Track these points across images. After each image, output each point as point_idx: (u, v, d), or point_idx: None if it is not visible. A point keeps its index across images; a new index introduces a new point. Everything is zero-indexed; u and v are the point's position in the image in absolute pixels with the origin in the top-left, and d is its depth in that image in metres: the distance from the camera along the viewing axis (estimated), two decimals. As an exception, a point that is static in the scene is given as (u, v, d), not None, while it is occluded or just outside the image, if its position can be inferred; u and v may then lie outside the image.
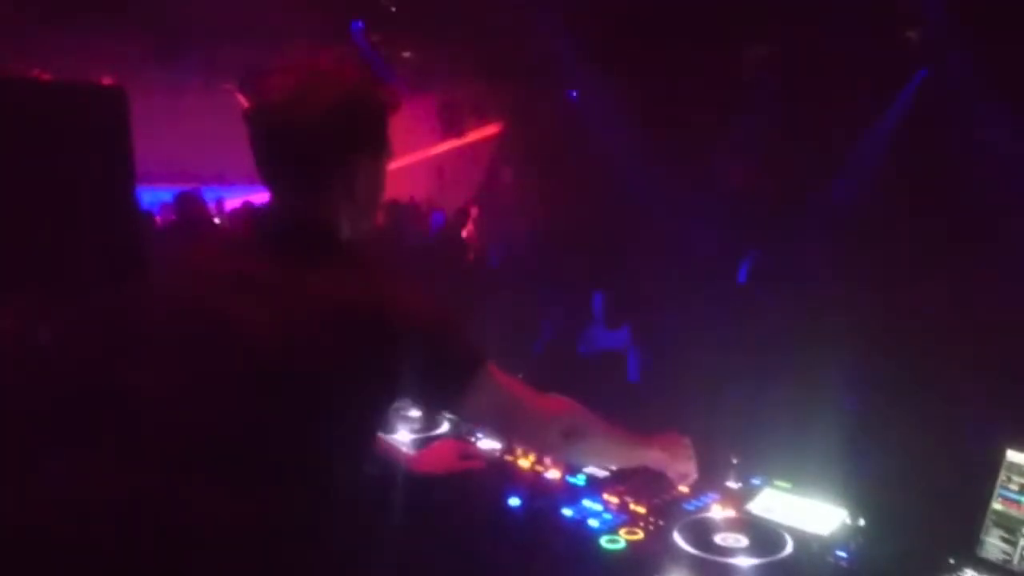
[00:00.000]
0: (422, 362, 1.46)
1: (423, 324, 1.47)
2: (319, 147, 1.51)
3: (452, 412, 1.99)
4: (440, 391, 1.57)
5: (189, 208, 7.20)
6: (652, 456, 1.91)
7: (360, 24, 8.04)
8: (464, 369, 1.53)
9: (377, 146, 1.60)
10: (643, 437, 1.93)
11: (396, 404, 2.07)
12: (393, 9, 7.37)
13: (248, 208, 8.88)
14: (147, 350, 1.51)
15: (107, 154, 3.04)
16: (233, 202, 9.16)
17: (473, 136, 11.25)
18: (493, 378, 1.58)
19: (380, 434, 2.19)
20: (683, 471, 1.96)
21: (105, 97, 3.28)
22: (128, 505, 1.40)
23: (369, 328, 1.41)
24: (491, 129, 11.28)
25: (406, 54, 9.40)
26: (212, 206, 8.46)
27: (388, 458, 2.07)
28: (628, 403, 2.38)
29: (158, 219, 7.67)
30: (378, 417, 1.56)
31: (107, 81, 8.13)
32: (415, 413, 2.46)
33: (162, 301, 1.56)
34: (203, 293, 1.49)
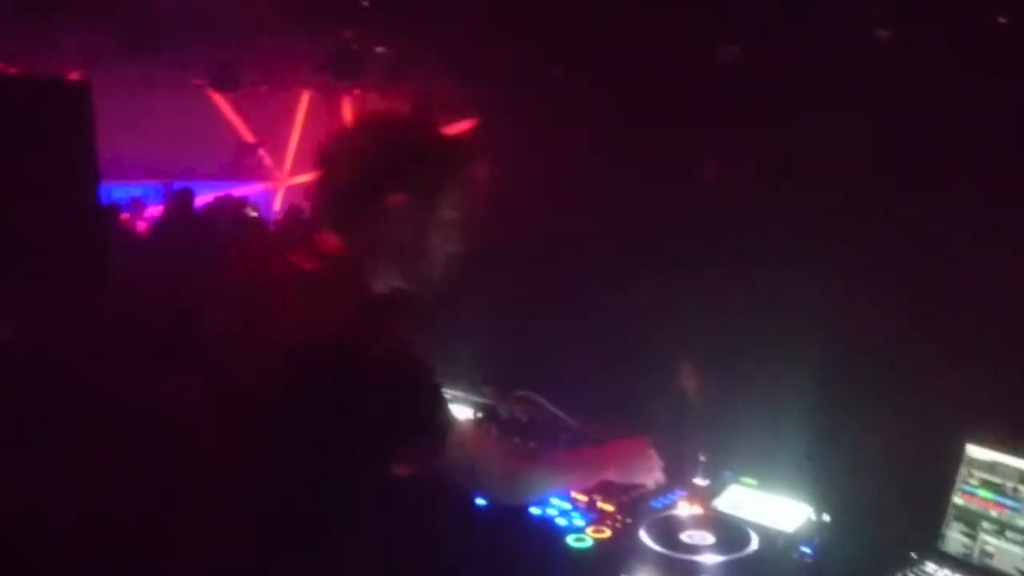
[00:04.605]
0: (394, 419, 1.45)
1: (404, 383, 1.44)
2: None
3: None
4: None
5: (186, 204, 7.70)
6: (608, 472, 1.89)
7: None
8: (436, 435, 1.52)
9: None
10: (597, 452, 1.91)
11: None
12: (365, 3, 7.29)
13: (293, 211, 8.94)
14: (122, 351, 1.52)
15: (70, 149, 2.99)
16: (204, 197, 9.08)
17: (445, 133, 11.17)
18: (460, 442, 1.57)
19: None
20: (640, 481, 1.94)
21: (68, 92, 3.24)
22: (97, 505, 1.40)
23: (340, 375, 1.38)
24: (462, 126, 11.23)
25: (379, 49, 9.34)
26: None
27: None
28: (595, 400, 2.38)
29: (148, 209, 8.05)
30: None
31: (73, 76, 8.04)
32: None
33: (139, 305, 1.56)
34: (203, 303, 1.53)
